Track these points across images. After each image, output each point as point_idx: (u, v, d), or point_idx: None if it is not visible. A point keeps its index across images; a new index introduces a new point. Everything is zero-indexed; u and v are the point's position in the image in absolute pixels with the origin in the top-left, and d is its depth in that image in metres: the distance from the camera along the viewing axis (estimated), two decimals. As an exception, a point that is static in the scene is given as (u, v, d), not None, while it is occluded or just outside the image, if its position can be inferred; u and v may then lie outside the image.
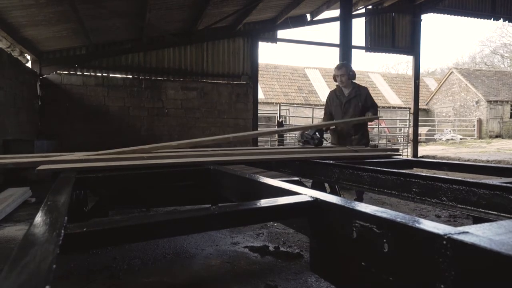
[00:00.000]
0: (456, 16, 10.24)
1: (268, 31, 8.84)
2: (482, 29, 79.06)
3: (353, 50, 6.59)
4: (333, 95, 4.01)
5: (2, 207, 3.45)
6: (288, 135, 12.64)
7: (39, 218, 0.81)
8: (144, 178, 1.91)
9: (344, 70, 3.85)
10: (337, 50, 6.89)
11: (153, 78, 8.00)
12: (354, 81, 4.01)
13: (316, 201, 0.96)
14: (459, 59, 50.44)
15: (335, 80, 3.94)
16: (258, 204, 0.96)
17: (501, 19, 10.60)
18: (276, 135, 11.44)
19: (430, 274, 0.62)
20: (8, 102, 5.43)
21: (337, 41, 6.74)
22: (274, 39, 8.96)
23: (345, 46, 6.28)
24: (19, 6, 4.76)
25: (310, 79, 24.45)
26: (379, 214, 0.75)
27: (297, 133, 3.69)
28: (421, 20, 9.95)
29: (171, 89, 8.13)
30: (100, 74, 7.62)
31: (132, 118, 7.83)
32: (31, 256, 0.56)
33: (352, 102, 3.87)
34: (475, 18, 10.44)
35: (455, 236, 0.58)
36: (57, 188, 1.26)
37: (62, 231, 0.70)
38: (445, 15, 10.18)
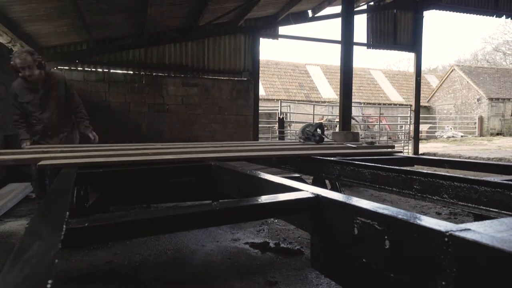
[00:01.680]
0: (458, 13, 10.19)
1: (269, 28, 8.80)
2: (484, 26, 78.84)
3: (355, 47, 6.57)
4: (20, 88, 3.29)
5: (3, 203, 3.46)
6: (289, 131, 12.63)
7: (40, 213, 0.81)
8: (145, 174, 1.91)
9: (31, 60, 3.14)
10: (338, 47, 6.86)
11: (154, 74, 7.99)
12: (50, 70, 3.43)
13: (317, 197, 0.96)
14: (461, 56, 50.27)
15: (17, 69, 3.19)
16: (259, 200, 0.96)
17: (504, 16, 10.53)
18: (277, 130, 11.43)
19: (431, 271, 0.62)
20: (9, 97, 5.43)
21: (339, 38, 6.71)
22: (275, 35, 8.93)
23: (347, 42, 6.26)
24: (19, 1, 4.74)
25: (311, 75, 24.39)
26: (380, 210, 0.75)
27: (298, 129, 3.69)
28: (423, 17, 9.90)
29: (172, 85, 8.11)
30: (101, 70, 7.61)
31: (133, 114, 7.82)
32: (34, 251, 0.56)
33: (50, 96, 3.32)
34: (478, 15, 10.38)
35: (457, 233, 0.58)
36: (58, 183, 1.27)
37: (64, 226, 0.70)
38: (447, 11, 10.12)
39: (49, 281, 0.46)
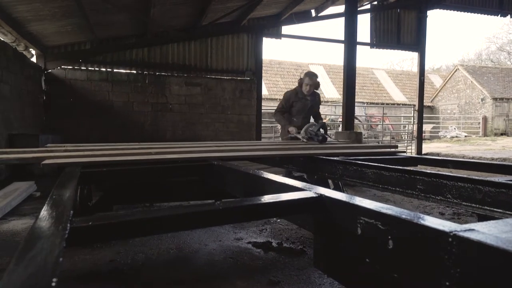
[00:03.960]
0: (462, 12, 10.13)
1: (272, 27, 8.79)
2: (488, 25, 78.29)
3: (358, 46, 6.54)
4: (294, 96, 4.25)
5: (7, 201, 3.48)
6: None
7: (45, 212, 0.82)
8: (148, 173, 1.92)
9: (314, 81, 4.18)
10: (341, 46, 6.84)
11: (157, 73, 8.00)
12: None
13: (321, 197, 0.96)
14: (464, 56, 50.00)
15: (300, 85, 4.21)
16: (262, 200, 0.96)
17: (509, 15, 10.46)
18: (280, 130, 11.40)
19: (435, 271, 0.62)
20: (14, 97, 5.46)
21: (342, 37, 6.70)
22: (278, 35, 8.92)
23: (350, 42, 6.24)
24: (24, 0, 4.77)
25: (314, 75, 24.31)
26: (384, 210, 0.74)
27: (301, 129, 3.70)
28: (427, 16, 9.85)
29: (175, 84, 8.13)
30: (104, 69, 7.64)
31: (136, 113, 7.85)
32: (38, 249, 0.56)
33: (313, 108, 4.32)
34: (482, 15, 10.32)
35: (461, 234, 0.57)
36: (62, 182, 1.27)
37: (68, 224, 0.70)
38: (452, 11, 10.07)
39: (54, 280, 0.46)
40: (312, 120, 4.34)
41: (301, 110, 4.23)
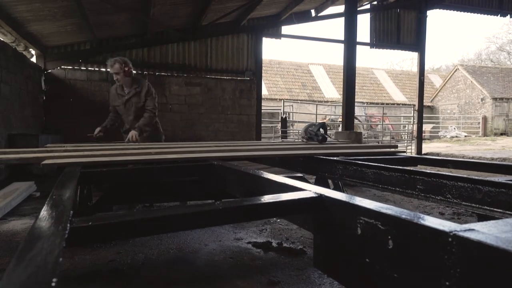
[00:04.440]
0: (462, 12, 10.13)
1: (272, 27, 8.79)
2: (488, 25, 78.32)
3: (358, 46, 6.55)
4: (114, 92, 3.77)
5: (7, 201, 3.48)
6: (291, 131, 12.62)
7: (45, 212, 0.82)
8: (148, 173, 1.92)
9: (118, 68, 3.56)
10: (341, 46, 6.85)
11: (157, 73, 8.00)
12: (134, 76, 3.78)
13: (321, 197, 0.95)
14: (464, 56, 50.02)
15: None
16: (261, 200, 0.96)
17: (508, 15, 10.46)
18: (280, 130, 11.42)
19: (435, 271, 0.62)
20: (13, 97, 5.46)
21: (342, 37, 6.70)
22: (278, 35, 8.92)
23: (350, 42, 6.24)
24: (24, 0, 4.76)
25: (314, 75, 24.35)
26: (383, 210, 0.74)
27: (301, 129, 3.69)
28: (427, 16, 9.86)
29: (174, 84, 8.13)
30: (104, 69, 7.63)
31: (136, 114, 7.84)
32: (38, 249, 0.56)
33: (132, 101, 3.69)
34: (482, 14, 10.32)
35: (461, 233, 0.57)
36: (62, 182, 1.27)
37: (68, 225, 0.70)
38: (451, 11, 10.07)
39: (54, 280, 0.46)
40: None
41: (121, 108, 3.72)
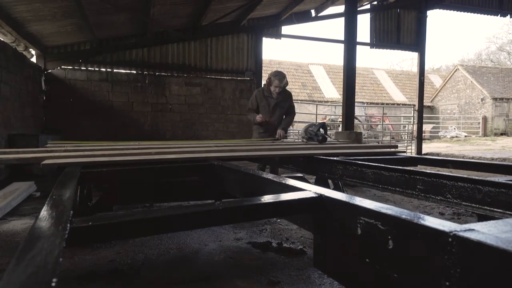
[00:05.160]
0: (462, 12, 10.14)
1: (272, 27, 8.80)
2: (488, 25, 78.32)
3: (358, 46, 6.55)
4: (261, 94, 4.30)
5: (7, 201, 3.48)
6: (291, 131, 12.61)
7: (45, 212, 0.82)
8: (148, 173, 1.92)
9: (286, 83, 4.19)
10: (341, 46, 6.85)
11: (157, 73, 8.01)
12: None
13: (321, 197, 0.95)
14: (464, 56, 50.00)
15: (269, 85, 4.19)
16: (261, 200, 0.96)
17: (508, 15, 10.47)
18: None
19: (435, 271, 0.62)
20: (13, 97, 5.46)
21: (342, 37, 6.70)
22: (278, 35, 8.92)
23: (350, 42, 6.24)
24: (24, 0, 4.76)
25: (314, 75, 24.35)
26: (384, 210, 0.74)
27: (301, 129, 3.70)
28: (427, 16, 9.86)
29: (174, 84, 8.13)
30: (104, 69, 7.64)
31: (136, 114, 7.85)
32: (38, 249, 0.56)
33: (279, 106, 4.28)
34: (482, 15, 10.32)
35: (461, 234, 0.57)
36: (62, 182, 1.27)
37: (68, 225, 0.70)
38: (451, 11, 10.07)
39: (54, 280, 0.46)
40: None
41: (266, 108, 4.27)
